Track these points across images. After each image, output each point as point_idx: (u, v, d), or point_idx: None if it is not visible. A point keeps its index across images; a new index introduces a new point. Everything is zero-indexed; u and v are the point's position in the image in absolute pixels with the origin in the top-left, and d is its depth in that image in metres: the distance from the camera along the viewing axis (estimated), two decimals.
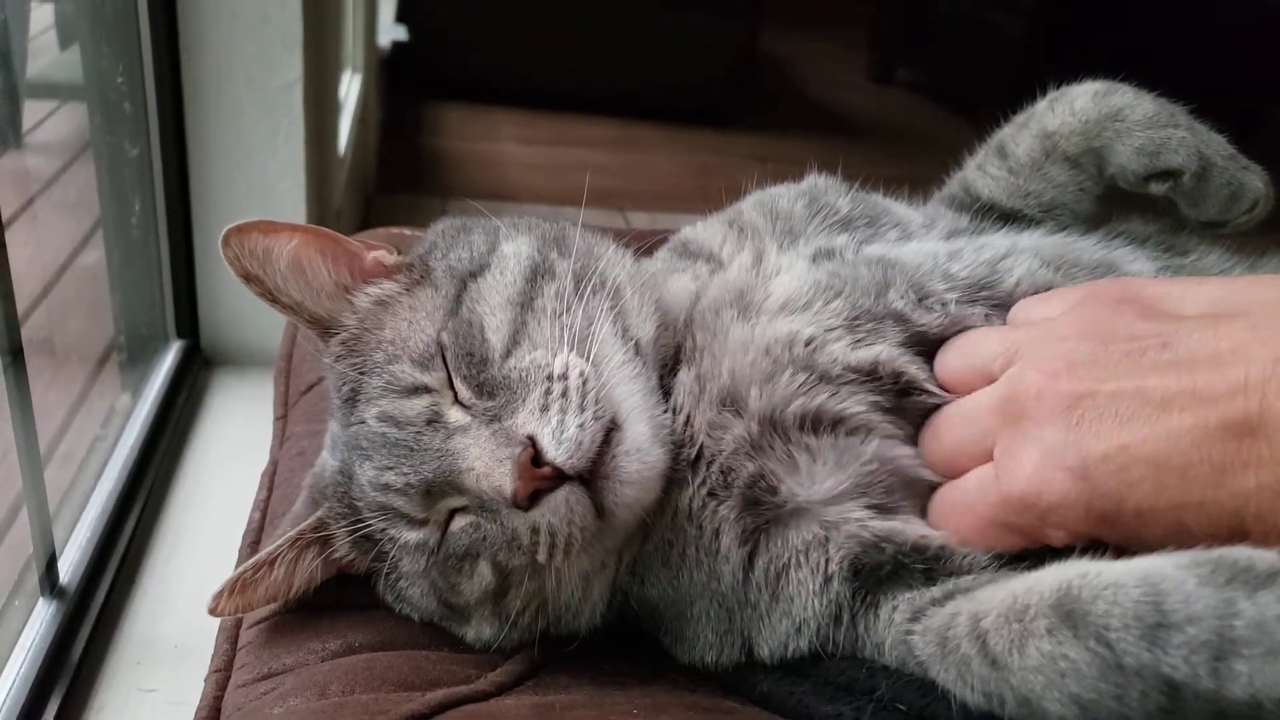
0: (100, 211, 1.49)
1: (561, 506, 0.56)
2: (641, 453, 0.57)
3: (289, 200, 1.66)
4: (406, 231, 1.07)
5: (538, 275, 0.64)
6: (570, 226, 0.69)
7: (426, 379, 0.61)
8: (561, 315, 0.61)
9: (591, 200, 3.39)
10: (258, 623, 0.68)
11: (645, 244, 0.74)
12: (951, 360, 0.61)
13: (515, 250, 0.66)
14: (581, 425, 0.55)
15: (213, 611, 0.64)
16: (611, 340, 0.61)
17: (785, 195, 0.74)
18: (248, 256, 0.66)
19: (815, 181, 0.76)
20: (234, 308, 1.71)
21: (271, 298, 0.67)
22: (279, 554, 0.64)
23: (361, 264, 0.69)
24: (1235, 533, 0.48)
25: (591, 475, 0.56)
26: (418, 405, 0.61)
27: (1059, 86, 0.79)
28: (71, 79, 1.54)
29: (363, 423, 0.62)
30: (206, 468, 1.49)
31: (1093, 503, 0.50)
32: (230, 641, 0.68)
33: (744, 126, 4.35)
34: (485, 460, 0.56)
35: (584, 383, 0.57)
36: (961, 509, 0.57)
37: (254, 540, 0.77)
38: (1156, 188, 0.72)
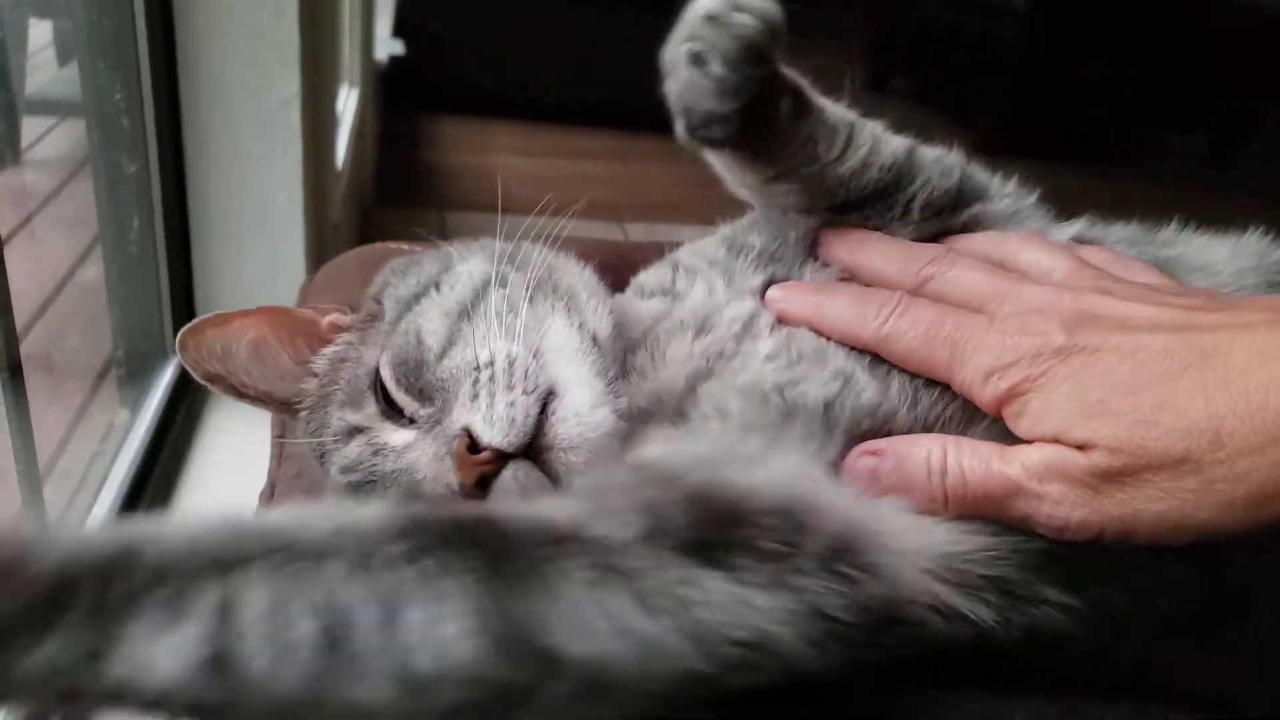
0: (99, 228, 1.50)
1: (511, 485, 0.54)
2: (580, 416, 0.55)
3: (286, 214, 1.67)
4: (404, 246, 1.07)
5: (488, 287, 0.62)
6: (529, 244, 0.68)
7: (356, 418, 0.61)
8: (505, 315, 0.59)
9: (589, 212, 3.35)
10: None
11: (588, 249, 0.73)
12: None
13: (468, 269, 0.65)
14: (511, 403, 0.54)
15: None
16: (565, 329, 0.60)
17: (711, 243, 0.72)
18: (207, 358, 0.65)
19: (725, 229, 0.73)
20: None
21: (239, 394, 0.67)
22: None
23: (319, 331, 0.68)
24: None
25: (535, 450, 0.55)
26: (358, 446, 0.60)
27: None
28: (70, 95, 1.55)
29: (335, 481, 0.62)
30: (204, 484, 1.50)
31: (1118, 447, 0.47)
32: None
33: None
34: (431, 464, 0.56)
35: (510, 363, 0.56)
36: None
37: None
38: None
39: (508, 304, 0.60)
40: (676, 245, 0.78)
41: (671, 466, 0.50)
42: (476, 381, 0.56)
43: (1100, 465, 0.47)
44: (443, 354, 0.59)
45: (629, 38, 4.01)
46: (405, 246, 1.07)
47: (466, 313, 0.61)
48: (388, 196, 3.22)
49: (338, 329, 0.68)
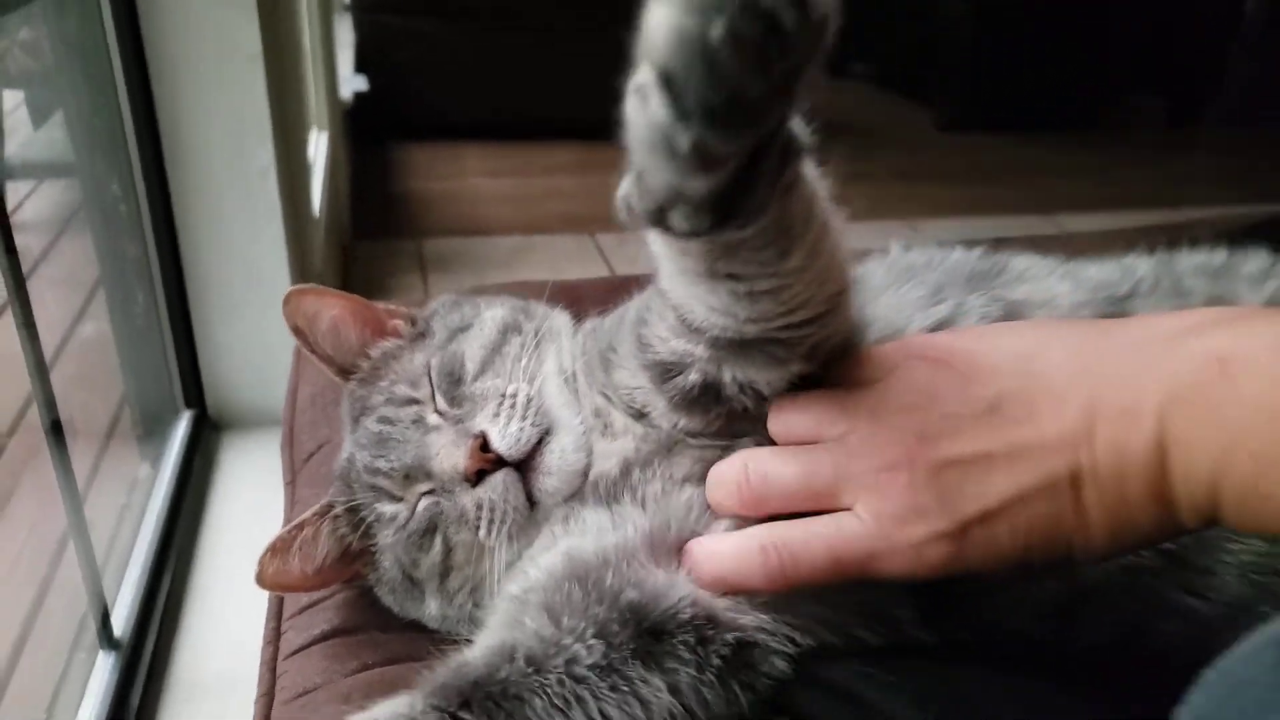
0: (108, 307, 1.65)
1: (499, 485, 0.72)
2: (564, 453, 0.73)
3: (274, 272, 1.81)
4: (379, 306, 1.24)
5: (508, 330, 0.82)
6: (533, 301, 0.89)
7: (416, 394, 0.79)
8: (520, 359, 0.79)
9: (559, 226, 3.51)
10: (291, 654, 0.85)
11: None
12: (791, 421, 0.65)
13: (494, 314, 0.85)
14: (521, 429, 0.72)
15: (259, 577, 0.79)
16: (555, 375, 0.78)
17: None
18: (300, 315, 0.84)
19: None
20: (233, 377, 1.89)
21: (308, 346, 0.86)
22: (306, 520, 0.81)
23: (384, 328, 0.88)
24: (1063, 556, 0.57)
25: (525, 468, 0.73)
26: (407, 412, 0.78)
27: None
28: (48, 157, 1.64)
29: (364, 429, 0.80)
30: (226, 524, 1.66)
31: (958, 558, 0.57)
32: (270, 670, 0.85)
33: None
34: (447, 448, 0.74)
35: (528, 401, 0.74)
36: (818, 548, 0.61)
37: None
38: None
39: (524, 349, 0.79)
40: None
41: (609, 582, 0.65)
42: (500, 404, 0.74)
43: None
44: (477, 377, 0.78)
45: (585, 48, 4.08)
46: (384, 307, 1.23)
47: (496, 348, 0.80)
48: (365, 230, 3.30)
49: (398, 332, 0.88)
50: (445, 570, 0.77)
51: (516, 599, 0.70)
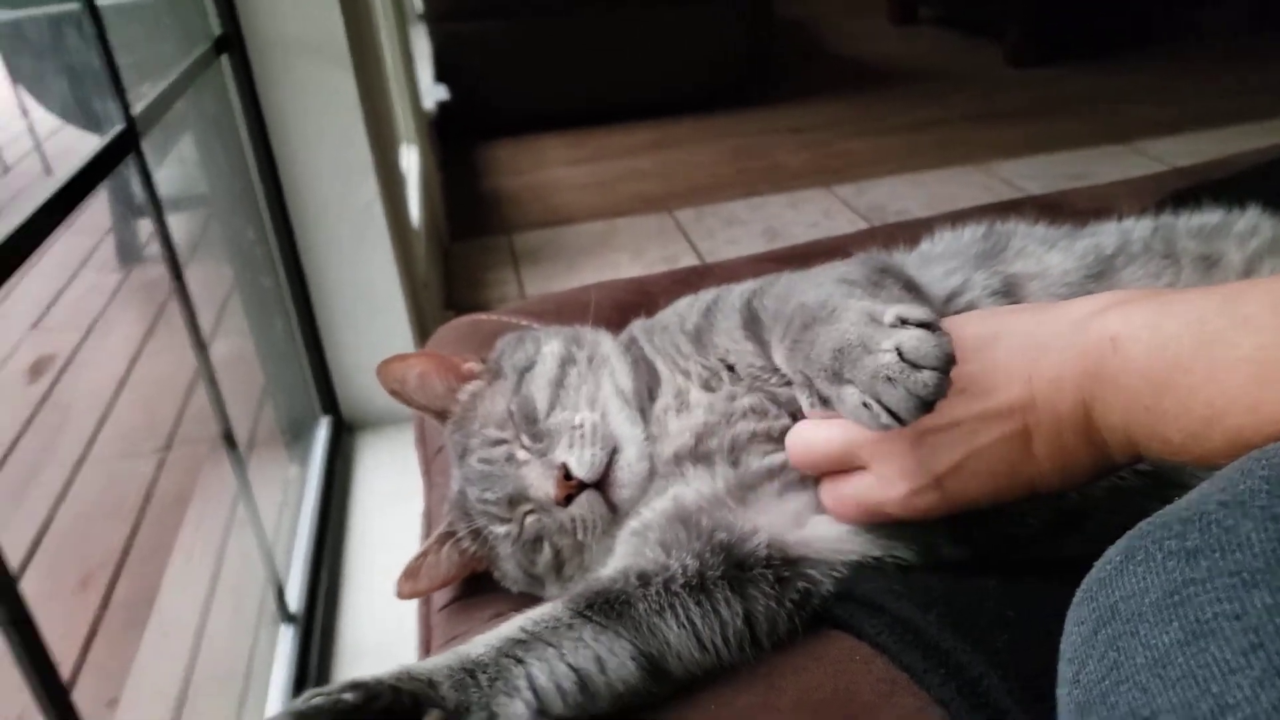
0: (252, 334, 1.91)
1: (585, 503, 0.84)
2: (630, 467, 0.85)
3: (388, 287, 2.05)
4: (483, 317, 1.44)
5: (565, 363, 0.93)
6: (583, 329, 1.02)
7: (504, 435, 0.90)
8: (580, 387, 0.90)
9: (639, 207, 3.63)
10: (440, 609, 1.06)
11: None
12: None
13: (552, 350, 0.95)
14: (593, 455, 0.84)
15: (398, 594, 0.93)
16: (613, 396, 0.89)
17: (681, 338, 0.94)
18: (392, 380, 0.98)
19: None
20: (361, 384, 2.13)
21: (406, 402, 0.99)
22: (429, 548, 0.93)
23: (461, 373, 1.00)
24: (1028, 493, 0.70)
25: (602, 484, 0.85)
26: (499, 451, 0.90)
27: None
28: (170, 193, 1.80)
29: (470, 466, 0.92)
30: (369, 509, 1.91)
31: (943, 502, 0.72)
32: (425, 624, 1.06)
33: (774, 100, 4.56)
34: (538, 480, 0.86)
35: (594, 429, 0.85)
36: (849, 502, 0.78)
37: None
38: None
39: (582, 377, 0.91)
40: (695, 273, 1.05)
41: (704, 524, 0.79)
42: (572, 435, 0.85)
43: None
44: (548, 413, 0.89)
45: (648, 29, 4.27)
46: (484, 317, 1.44)
47: (559, 382, 0.91)
48: (461, 232, 3.49)
49: (474, 374, 1.00)
50: (558, 565, 0.92)
51: (638, 533, 0.83)
